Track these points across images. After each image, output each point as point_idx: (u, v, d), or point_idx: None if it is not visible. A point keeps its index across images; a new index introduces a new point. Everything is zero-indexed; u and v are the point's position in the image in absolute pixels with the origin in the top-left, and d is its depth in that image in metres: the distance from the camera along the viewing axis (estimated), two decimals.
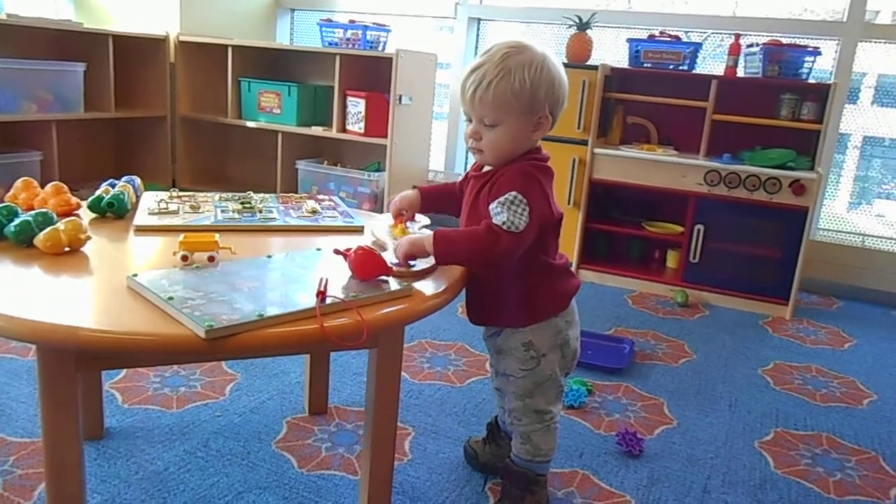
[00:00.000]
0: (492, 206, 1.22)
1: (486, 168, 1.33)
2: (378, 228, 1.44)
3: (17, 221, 1.21)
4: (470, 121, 1.29)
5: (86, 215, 1.43)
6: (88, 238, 1.22)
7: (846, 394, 2.18)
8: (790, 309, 2.85)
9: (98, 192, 1.47)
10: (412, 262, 1.24)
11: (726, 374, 2.26)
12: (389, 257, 1.23)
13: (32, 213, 1.24)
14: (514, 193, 1.20)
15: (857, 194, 3.59)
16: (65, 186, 1.46)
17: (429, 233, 1.25)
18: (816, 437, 1.89)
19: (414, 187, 1.48)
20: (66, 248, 1.19)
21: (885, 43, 3.20)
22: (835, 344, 2.63)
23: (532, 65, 1.22)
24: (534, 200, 1.21)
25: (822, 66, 3.19)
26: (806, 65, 2.88)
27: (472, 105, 1.25)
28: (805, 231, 2.77)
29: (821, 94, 2.83)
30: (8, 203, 1.30)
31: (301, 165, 3.68)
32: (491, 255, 1.21)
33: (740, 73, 3.03)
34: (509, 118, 1.24)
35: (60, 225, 1.20)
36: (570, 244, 3.12)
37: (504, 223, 1.19)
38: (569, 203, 3.12)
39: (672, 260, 3.16)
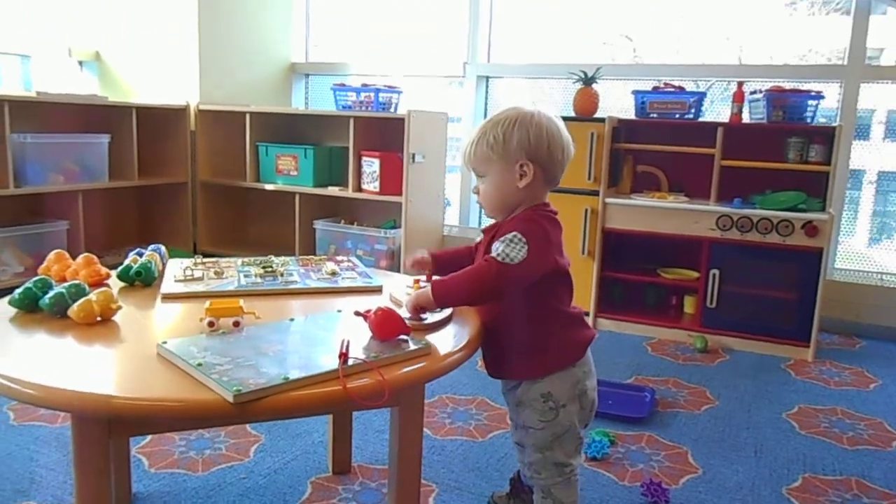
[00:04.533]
0: (493, 245, 1.31)
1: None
2: (396, 290, 1.48)
3: (51, 294, 1.26)
4: None
5: (115, 284, 1.49)
6: (119, 307, 1.27)
7: (874, 436, 2.16)
8: (812, 351, 2.83)
9: (126, 262, 1.53)
10: (423, 315, 1.30)
11: (750, 419, 2.24)
12: (404, 313, 1.27)
13: (66, 284, 1.29)
14: (513, 233, 1.29)
15: (876, 230, 3.58)
16: (95, 258, 1.52)
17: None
18: (846, 482, 1.86)
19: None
20: (98, 318, 1.24)
21: (889, 83, 3.25)
22: (860, 385, 2.60)
23: (506, 121, 1.35)
24: (533, 239, 1.28)
25: (828, 105, 3.23)
26: (809, 109, 2.93)
27: (467, 164, 1.42)
28: (821, 272, 2.77)
29: (827, 137, 2.87)
30: (42, 276, 1.36)
31: (319, 225, 3.76)
32: (483, 283, 1.27)
33: (746, 118, 3.08)
34: (491, 169, 1.37)
35: (93, 296, 1.25)
36: (586, 293, 3.14)
37: (499, 255, 1.27)
38: (583, 252, 3.15)
39: (689, 305, 3.16)
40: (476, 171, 1.41)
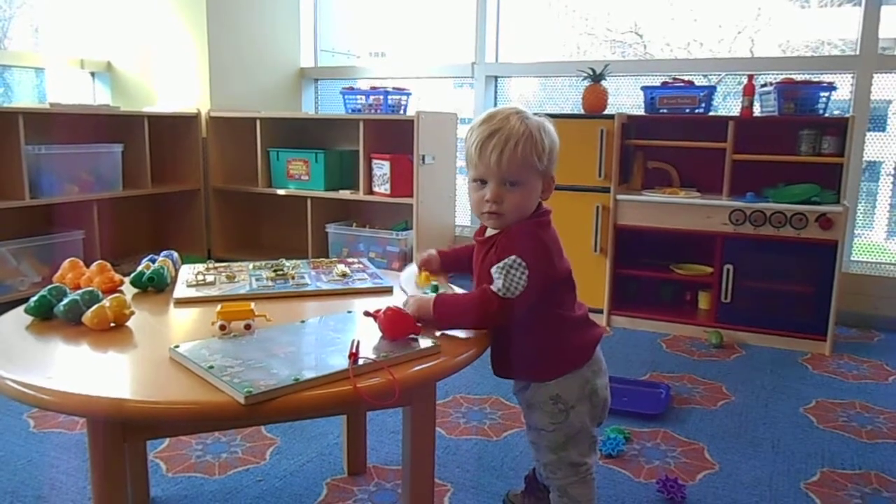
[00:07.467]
0: (493, 269, 1.25)
1: (490, 232, 1.35)
2: (405, 279, 1.50)
3: (65, 301, 1.28)
4: (482, 183, 1.29)
5: (128, 291, 1.51)
6: (132, 313, 1.28)
7: (893, 429, 2.13)
8: (829, 344, 2.80)
9: (139, 268, 1.54)
10: None
11: (767, 414, 2.22)
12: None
13: (80, 291, 1.31)
14: (513, 258, 1.23)
15: (894, 222, 3.53)
16: (108, 265, 1.53)
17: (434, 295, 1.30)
18: (865, 476, 1.84)
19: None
20: (112, 324, 1.25)
21: None
22: (878, 378, 2.57)
23: (545, 128, 1.29)
24: (533, 264, 1.23)
25: (841, 97, 3.20)
26: (821, 100, 2.90)
27: (497, 167, 1.25)
28: (836, 264, 2.74)
29: (840, 128, 2.84)
30: (57, 284, 1.37)
31: (331, 229, 3.77)
32: (485, 319, 1.25)
33: (757, 112, 3.06)
34: (531, 178, 1.28)
35: (106, 302, 1.26)
36: (599, 291, 3.13)
37: (499, 290, 1.23)
38: (595, 250, 3.14)
39: (704, 301, 3.14)
40: (509, 178, 1.25)
